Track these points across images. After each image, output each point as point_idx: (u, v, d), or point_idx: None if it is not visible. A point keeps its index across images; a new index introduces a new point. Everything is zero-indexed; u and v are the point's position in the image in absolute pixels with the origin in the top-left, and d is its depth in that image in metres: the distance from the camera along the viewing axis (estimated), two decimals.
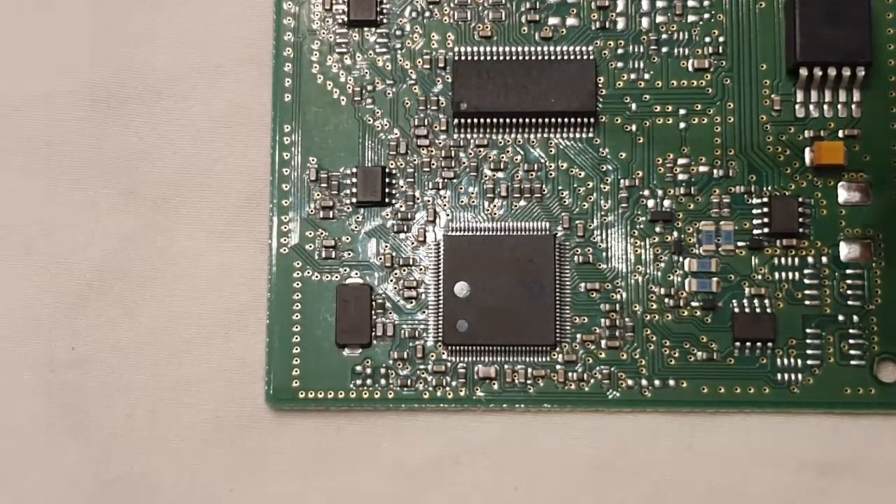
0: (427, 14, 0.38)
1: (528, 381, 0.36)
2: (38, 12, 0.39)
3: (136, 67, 0.39)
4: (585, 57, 0.37)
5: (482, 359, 0.37)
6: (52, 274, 0.38)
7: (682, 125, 0.37)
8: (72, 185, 0.38)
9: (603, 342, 0.37)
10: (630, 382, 0.36)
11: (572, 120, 0.37)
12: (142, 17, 0.39)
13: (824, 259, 0.37)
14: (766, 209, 0.37)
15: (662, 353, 0.36)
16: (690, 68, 0.38)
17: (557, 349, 0.36)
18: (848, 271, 0.37)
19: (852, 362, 0.36)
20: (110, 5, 0.39)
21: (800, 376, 0.36)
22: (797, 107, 0.37)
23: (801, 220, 0.37)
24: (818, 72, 0.37)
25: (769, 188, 0.37)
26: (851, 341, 0.36)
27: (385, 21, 0.38)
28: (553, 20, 0.38)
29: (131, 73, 0.39)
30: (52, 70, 0.39)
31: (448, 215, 0.37)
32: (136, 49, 0.39)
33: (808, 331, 0.36)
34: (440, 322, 0.37)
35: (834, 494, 0.36)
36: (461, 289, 0.36)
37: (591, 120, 0.37)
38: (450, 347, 0.37)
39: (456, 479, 0.36)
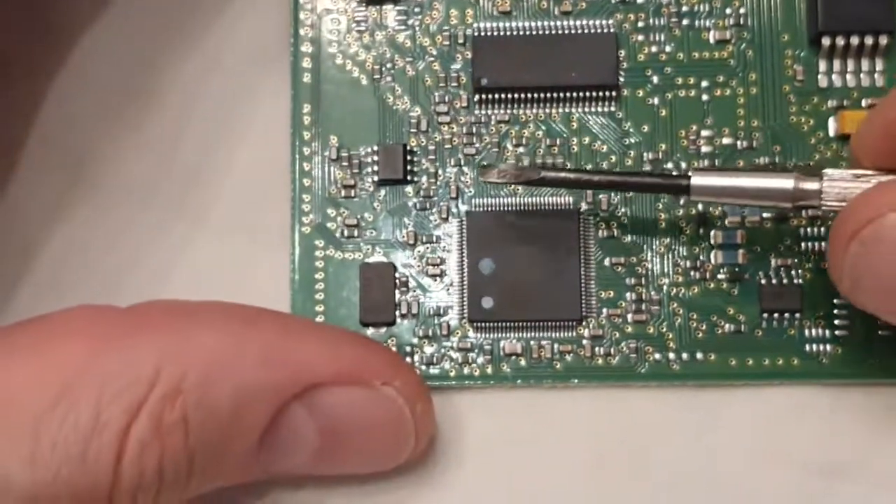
0: None
1: (555, 357, 0.36)
2: None
3: (158, 57, 0.39)
4: (606, 30, 0.37)
5: (508, 335, 0.36)
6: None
7: (704, 97, 0.37)
8: (91, 175, 0.38)
9: (629, 316, 0.36)
10: (657, 356, 0.36)
11: (594, 94, 0.37)
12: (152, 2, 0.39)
13: None
14: None
15: (690, 327, 0.36)
16: (712, 40, 0.37)
17: (584, 324, 0.36)
18: None
19: (880, 332, 0.36)
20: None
21: (828, 347, 0.36)
22: (820, 76, 0.37)
23: None
24: (840, 41, 0.36)
25: (793, 159, 0.37)
26: None
27: None
28: None
29: (144, 64, 0.39)
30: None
31: (470, 192, 0.37)
32: (149, 40, 0.39)
33: (835, 301, 0.36)
34: (465, 299, 0.36)
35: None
36: (486, 265, 0.36)
37: (613, 93, 0.37)
38: (475, 324, 0.36)
39: (483, 456, 0.36)
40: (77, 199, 0.38)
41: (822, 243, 0.36)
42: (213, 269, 0.38)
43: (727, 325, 0.36)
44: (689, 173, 0.34)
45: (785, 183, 0.33)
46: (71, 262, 0.38)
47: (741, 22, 0.37)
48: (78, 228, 0.38)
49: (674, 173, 0.36)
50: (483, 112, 0.37)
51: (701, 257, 0.36)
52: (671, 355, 0.36)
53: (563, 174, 0.35)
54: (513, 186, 0.37)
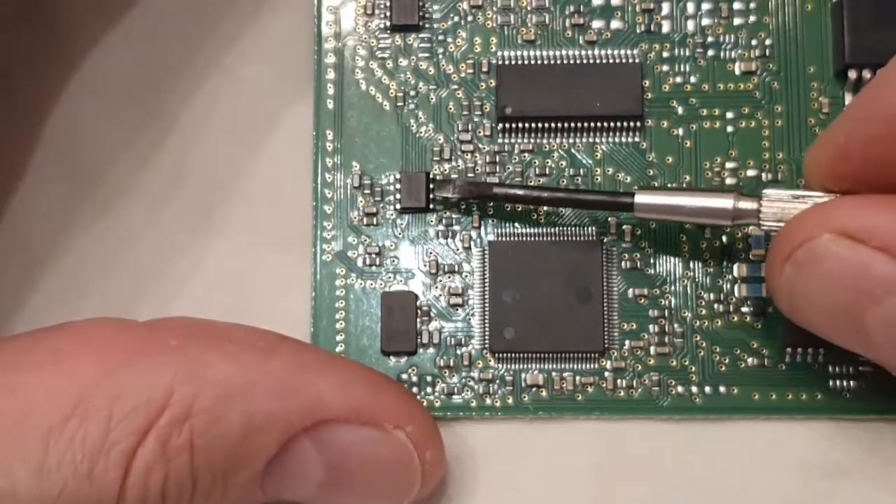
0: (470, 18, 0.38)
1: (577, 389, 0.36)
2: None
3: (175, 71, 0.38)
4: (631, 60, 0.37)
5: (529, 366, 0.36)
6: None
7: (729, 129, 0.37)
8: (117, 190, 0.38)
9: (652, 349, 0.36)
10: (680, 389, 0.36)
11: (618, 124, 0.37)
12: (178, 19, 0.39)
13: None
14: None
15: (713, 360, 0.36)
16: (737, 71, 0.37)
17: (606, 356, 0.36)
18: None
19: None
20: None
21: (852, 383, 0.36)
22: None
23: None
24: (867, 74, 0.36)
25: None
26: None
27: (427, 26, 0.38)
28: (597, 23, 0.37)
29: (171, 81, 0.39)
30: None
31: (493, 221, 0.37)
32: (175, 55, 0.39)
33: None
34: (486, 329, 0.36)
35: None
36: (508, 295, 0.36)
37: (638, 124, 0.37)
38: (496, 355, 0.36)
39: (501, 487, 0.36)
40: (89, 209, 0.38)
41: None
42: (231, 286, 0.38)
43: (750, 359, 0.36)
44: (634, 192, 0.34)
45: (724, 203, 0.33)
46: (82, 273, 0.38)
47: (767, 53, 0.37)
48: (90, 239, 0.38)
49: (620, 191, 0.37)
50: (506, 141, 0.37)
51: (724, 290, 0.36)
52: (694, 388, 0.36)
53: (513, 190, 0.36)
54: (535, 216, 0.37)
